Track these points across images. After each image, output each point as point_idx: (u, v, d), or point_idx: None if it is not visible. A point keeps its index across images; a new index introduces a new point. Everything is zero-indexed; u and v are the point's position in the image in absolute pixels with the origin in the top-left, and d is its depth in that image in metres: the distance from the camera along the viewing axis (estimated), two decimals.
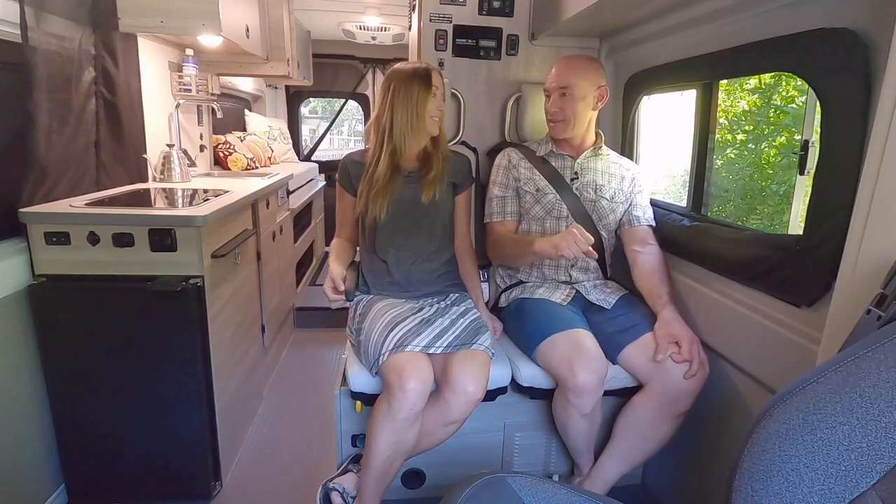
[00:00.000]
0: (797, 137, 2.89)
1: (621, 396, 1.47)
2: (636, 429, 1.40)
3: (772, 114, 3.02)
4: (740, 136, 3.19)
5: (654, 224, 1.61)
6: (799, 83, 2.76)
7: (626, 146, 1.88)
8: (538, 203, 1.61)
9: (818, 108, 1.14)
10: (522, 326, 1.53)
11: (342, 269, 1.47)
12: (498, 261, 1.67)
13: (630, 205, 1.62)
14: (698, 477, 1.49)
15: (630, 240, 1.59)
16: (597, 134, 1.66)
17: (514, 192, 1.65)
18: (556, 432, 1.52)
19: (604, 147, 1.66)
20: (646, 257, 1.54)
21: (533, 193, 1.62)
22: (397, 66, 1.51)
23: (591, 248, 1.28)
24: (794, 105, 2.89)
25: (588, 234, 1.28)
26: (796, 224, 1.45)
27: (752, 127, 3.11)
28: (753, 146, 3.21)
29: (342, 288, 1.39)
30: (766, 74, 2.66)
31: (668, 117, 2.33)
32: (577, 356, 1.31)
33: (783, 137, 3.02)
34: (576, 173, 1.62)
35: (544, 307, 1.52)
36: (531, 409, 1.57)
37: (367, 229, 1.56)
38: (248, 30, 2.41)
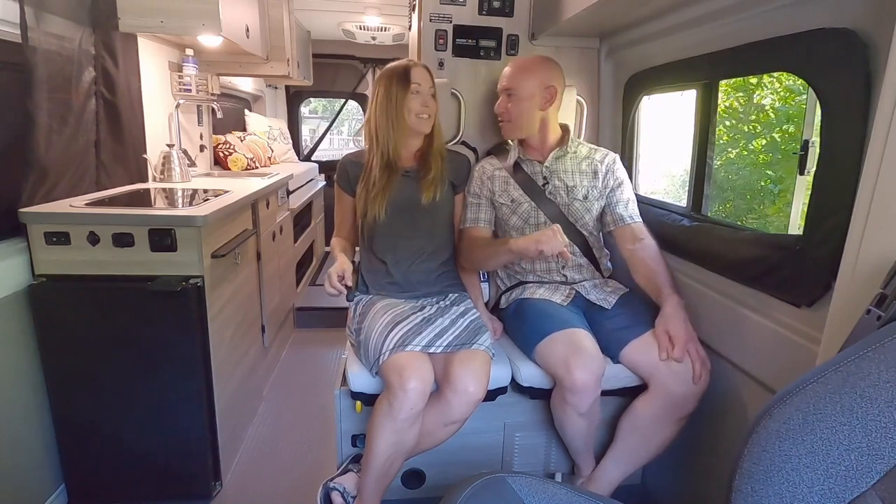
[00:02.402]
0: (778, 137, 2.92)
1: (623, 396, 1.47)
2: (639, 431, 1.39)
3: (752, 114, 3.04)
4: (724, 137, 3.20)
5: (639, 220, 1.57)
6: (790, 82, 2.77)
7: (625, 146, 1.88)
8: (514, 213, 1.60)
9: (818, 108, 1.14)
10: (521, 326, 1.53)
11: (351, 264, 1.45)
12: (468, 264, 1.64)
13: (610, 202, 1.59)
14: (698, 477, 1.49)
15: (621, 239, 1.57)
16: (563, 128, 1.64)
17: (487, 200, 1.63)
18: (557, 432, 1.52)
19: (572, 143, 1.62)
20: (640, 252, 1.52)
21: (508, 205, 1.61)
22: (384, 67, 1.52)
23: (565, 250, 1.31)
24: (787, 104, 2.90)
25: (565, 237, 1.31)
26: (796, 224, 1.45)
27: (736, 122, 3.13)
28: (745, 142, 3.22)
29: (351, 283, 1.36)
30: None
31: (667, 117, 2.32)
32: (574, 355, 1.31)
33: (773, 135, 3.03)
34: (545, 178, 1.61)
35: (543, 307, 1.51)
36: (531, 409, 1.57)
37: (367, 230, 1.56)
38: (248, 30, 2.41)
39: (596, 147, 1.68)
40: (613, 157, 1.64)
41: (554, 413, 1.45)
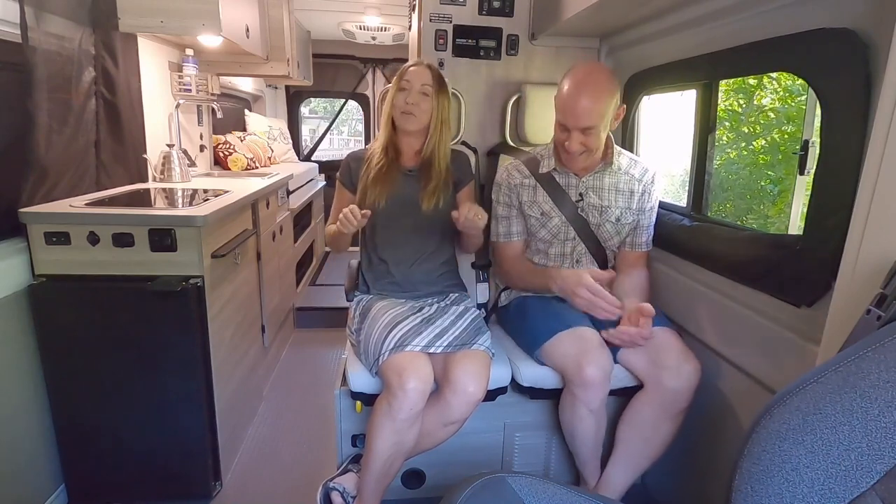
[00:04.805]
0: (777, 137, 2.94)
1: (622, 396, 1.47)
2: (639, 430, 1.40)
3: (752, 115, 3.05)
4: (724, 138, 3.21)
5: (649, 249, 1.61)
6: (790, 83, 2.78)
7: (625, 146, 1.88)
8: (544, 227, 1.57)
9: (818, 108, 1.14)
10: (525, 325, 1.53)
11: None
12: (509, 284, 1.66)
13: (635, 224, 1.58)
14: (698, 477, 1.49)
15: (624, 260, 1.60)
16: (606, 142, 1.52)
17: (517, 210, 1.60)
18: (557, 432, 1.52)
19: (615, 158, 1.53)
20: (635, 276, 1.55)
21: (538, 217, 1.56)
22: None
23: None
24: (787, 105, 2.90)
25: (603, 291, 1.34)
26: (796, 224, 1.45)
27: (737, 124, 3.13)
28: (745, 143, 3.24)
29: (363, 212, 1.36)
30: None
31: (666, 117, 2.32)
32: (584, 352, 1.32)
33: (773, 136, 3.04)
34: (580, 194, 1.56)
35: (547, 306, 1.51)
36: (531, 410, 1.57)
37: (367, 225, 1.56)
38: (248, 30, 2.41)
39: (636, 158, 1.59)
40: (652, 176, 1.57)
41: (563, 415, 1.44)
